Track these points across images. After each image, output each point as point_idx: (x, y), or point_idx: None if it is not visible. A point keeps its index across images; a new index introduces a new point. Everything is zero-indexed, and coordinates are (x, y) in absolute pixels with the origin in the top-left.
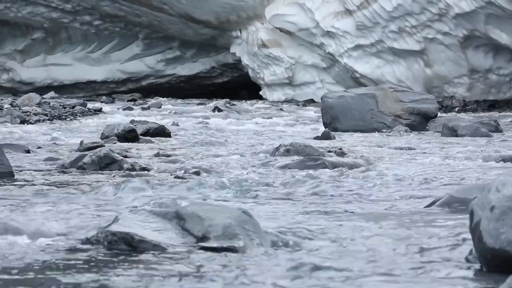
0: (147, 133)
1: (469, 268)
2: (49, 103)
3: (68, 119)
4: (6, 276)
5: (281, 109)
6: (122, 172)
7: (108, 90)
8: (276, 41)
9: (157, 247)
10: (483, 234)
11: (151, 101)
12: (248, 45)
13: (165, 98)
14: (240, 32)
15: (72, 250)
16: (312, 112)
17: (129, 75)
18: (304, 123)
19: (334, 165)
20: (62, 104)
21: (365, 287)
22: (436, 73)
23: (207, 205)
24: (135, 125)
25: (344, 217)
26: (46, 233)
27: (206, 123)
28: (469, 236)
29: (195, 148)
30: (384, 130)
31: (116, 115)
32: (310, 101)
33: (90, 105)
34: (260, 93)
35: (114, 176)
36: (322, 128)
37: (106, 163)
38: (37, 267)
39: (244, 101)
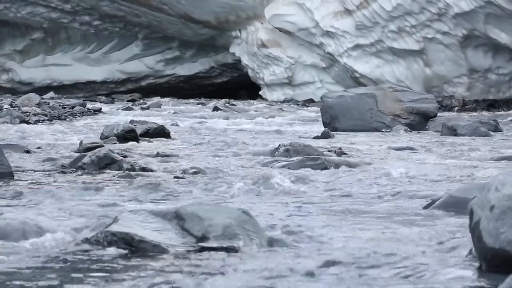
0: (146, 133)
1: (468, 267)
2: (49, 104)
3: (67, 120)
4: (3, 276)
5: (280, 109)
6: (122, 172)
7: (108, 90)
8: (276, 41)
9: (157, 247)
10: (482, 233)
11: (151, 101)
12: (248, 45)
13: (164, 98)
14: (240, 32)
15: (72, 250)
16: (311, 112)
17: (129, 75)
18: (303, 123)
19: (333, 165)
20: (61, 104)
21: (364, 286)
22: (435, 72)
23: (206, 205)
24: (134, 125)
25: (344, 217)
26: (46, 234)
27: (206, 123)
28: (468, 235)
29: (195, 148)
30: (383, 130)
31: (116, 115)
32: (310, 101)
33: (89, 105)
34: (260, 93)
35: (114, 176)
36: (321, 128)
37: (106, 164)
38: (37, 268)
39: (243, 101)
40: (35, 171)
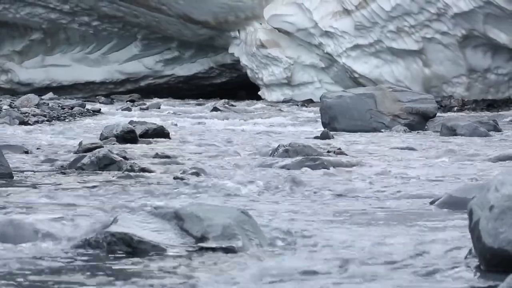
0: (146, 134)
1: (468, 267)
2: (48, 104)
3: (66, 120)
4: (3, 281)
5: (279, 109)
6: (121, 173)
7: (107, 91)
8: (275, 41)
9: (156, 248)
10: (482, 233)
11: (150, 101)
12: (247, 45)
13: (163, 99)
14: (239, 32)
15: (71, 251)
16: (311, 112)
17: (128, 76)
18: (303, 123)
19: (333, 165)
20: (60, 105)
21: (364, 285)
22: (434, 72)
23: (206, 205)
24: (134, 126)
25: (343, 217)
26: (44, 235)
27: (205, 123)
28: (468, 235)
29: (194, 148)
30: (383, 130)
31: (115, 116)
32: (309, 101)
33: (88, 106)
34: (259, 93)
35: (113, 177)
36: (321, 128)
37: (105, 164)
38: (35, 270)
39: (242, 101)
40: (34, 171)
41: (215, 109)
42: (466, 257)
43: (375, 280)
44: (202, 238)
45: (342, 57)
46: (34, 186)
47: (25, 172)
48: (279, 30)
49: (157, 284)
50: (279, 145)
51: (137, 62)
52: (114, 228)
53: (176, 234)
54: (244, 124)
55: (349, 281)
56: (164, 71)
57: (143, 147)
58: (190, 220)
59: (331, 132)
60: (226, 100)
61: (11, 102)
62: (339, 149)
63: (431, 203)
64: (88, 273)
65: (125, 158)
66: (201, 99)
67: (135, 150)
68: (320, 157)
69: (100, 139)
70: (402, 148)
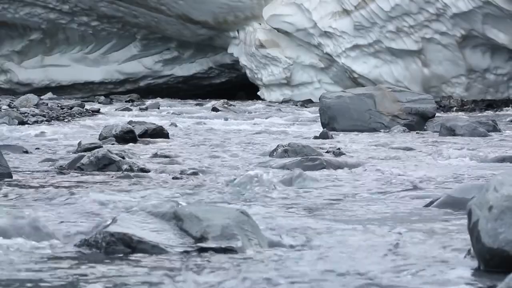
0: (145, 134)
1: (467, 267)
2: (47, 104)
3: (66, 120)
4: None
5: (279, 110)
6: (120, 173)
7: (106, 91)
8: (274, 42)
9: (156, 248)
10: (481, 233)
11: (149, 101)
12: (246, 45)
13: (163, 99)
14: (238, 32)
15: (70, 251)
16: (310, 112)
17: (127, 76)
18: (302, 123)
19: (332, 165)
20: (60, 105)
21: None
22: (433, 73)
23: (205, 205)
24: (133, 126)
25: (342, 218)
26: (43, 235)
27: (204, 123)
28: (467, 236)
29: (193, 148)
30: (382, 130)
31: (114, 116)
32: (308, 102)
33: (88, 106)
34: (258, 93)
35: (112, 177)
36: (320, 128)
37: (104, 164)
38: (35, 270)
39: (242, 101)
40: (33, 171)
41: (214, 109)
42: (465, 257)
43: (371, 282)
44: (202, 239)
45: (342, 57)
46: (33, 186)
47: (24, 172)
48: (278, 30)
49: (157, 285)
50: (278, 145)
51: (136, 62)
52: (113, 228)
53: (175, 235)
54: (243, 124)
55: (349, 282)
56: (163, 71)
57: (142, 147)
58: (190, 220)
59: (330, 132)
60: (225, 100)
61: (10, 102)
62: (338, 149)
63: (430, 203)
64: (87, 273)
65: (124, 158)
66: (200, 99)
67: (134, 150)
68: (319, 157)
69: (99, 139)
70: (401, 148)
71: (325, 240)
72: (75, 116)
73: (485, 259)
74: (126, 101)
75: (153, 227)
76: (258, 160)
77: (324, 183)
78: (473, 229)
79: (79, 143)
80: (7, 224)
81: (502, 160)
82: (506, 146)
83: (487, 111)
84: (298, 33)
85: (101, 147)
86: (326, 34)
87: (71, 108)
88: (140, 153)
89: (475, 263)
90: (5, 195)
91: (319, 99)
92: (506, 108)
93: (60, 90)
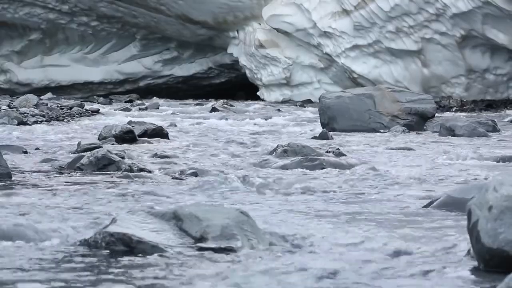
0: (144, 134)
1: (467, 267)
2: (47, 104)
3: (65, 120)
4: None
5: (278, 110)
6: (120, 173)
7: (106, 91)
8: (274, 42)
9: (155, 248)
10: (481, 234)
11: (149, 102)
12: (246, 45)
13: (162, 99)
14: (237, 32)
15: (70, 252)
16: (309, 112)
17: (127, 76)
18: (301, 123)
19: (331, 165)
20: (59, 105)
21: (365, 285)
22: (433, 73)
23: (204, 205)
24: (132, 126)
25: (341, 218)
26: (43, 235)
27: (204, 124)
28: (467, 236)
29: (193, 149)
30: (381, 130)
31: (114, 116)
32: (308, 102)
33: (87, 106)
34: (258, 93)
35: (112, 177)
36: (319, 129)
37: (104, 164)
38: (35, 270)
39: (241, 101)
40: (33, 172)
41: (214, 109)
42: (464, 257)
43: (371, 282)
44: (201, 239)
45: (341, 57)
46: (32, 186)
47: (23, 173)
48: (278, 30)
49: (156, 285)
50: (277, 145)
51: (136, 62)
52: (113, 228)
53: (175, 235)
54: (243, 124)
55: (348, 283)
56: (163, 71)
57: (142, 147)
58: (189, 221)
59: (330, 133)
60: (225, 100)
61: (10, 103)
62: (338, 149)
63: (430, 203)
64: (87, 274)
65: (123, 158)
66: (200, 99)
67: (134, 150)
68: (319, 157)
69: (98, 139)
70: (400, 149)
71: (321, 239)
72: (74, 116)
73: (484, 259)
74: (125, 101)
75: (152, 227)
76: (257, 160)
77: (323, 182)
78: (472, 229)
79: (79, 143)
80: (6, 225)
81: (502, 160)
82: (505, 146)
83: (486, 111)
84: (298, 33)
85: (101, 147)
86: (325, 34)
87: (71, 108)
88: (140, 153)
89: (474, 263)
90: (5, 195)
91: (319, 99)
92: (506, 108)
93: (59, 90)
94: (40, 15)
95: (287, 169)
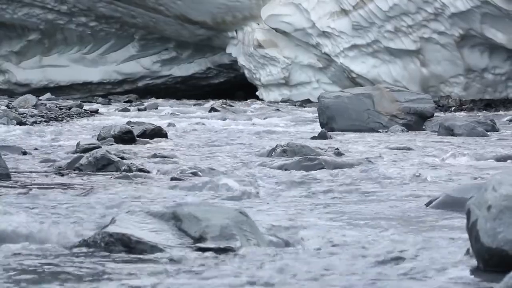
0: (143, 134)
1: (466, 267)
2: (46, 105)
3: (64, 121)
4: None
5: (277, 110)
6: (119, 174)
7: (104, 91)
8: (272, 42)
9: (155, 248)
10: (480, 233)
11: (147, 102)
12: (244, 45)
13: (161, 99)
14: (236, 32)
15: (69, 252)
16: (308, 112)
17: (125, 76)
18: (300, 123)
19: (331, 165)
20: (58, 105)
21: (367, 286)
22: (432, 72)
23: (204, 205)
24: (131, 126)
25: (341, 218)
26: (43, 236)
27: (203, 123)
28: (466, 235)
29: (192, 149)
30: (380, 130)
31: (113, 117)
32: (307, 101)
33: (86, 106)
34: (257, 93)
35: (111, 177)
36: (318, 128)
37: (103, 165)
38: (34, 270)
39: (240, 101)
40: (32, 172)
41: (212, 109)
42: (463, 257)
43: (373, 282)
44: (200, 239)
45: (340, 57)
46: (31, 186)
47: (22, 173)
48: (277, 30)
49: (156, 285)
50: (277, 145)
51: (135, 63)
52: (112, 229)
53: (174, 235)
54: (241, 124)
55: (348, 284)
56: (162, 71)
57: (141, 148)
58: (188, 221)
59: (329, 132)
60: (224, 100)
61: (8, 103)
62: (337, 149)
63: (429, 203)
64: (86, 274)
65: (123, 158)
66: (198, 100)
67: (133, 150)
68: (318, 157)
69: (97, 139)
70: (399, 148)
71: (321, 239)
72: (73, 116)
73: (484, 258)
74: (124, 102)
75: (152, 227)
76: (256, 160)
77: (322, 182)
78: (472, 228)
79: (78, 144)
80: (5, 226)
81: (501, 159)
82: (504, 146)
83: (485, 111)
84: (297, 33)
85: (100, 147)
86: (324, 34)
87: (70, 108)
88: (139, 153)
89: (474, 263)
90: (4, 196)
91: (318, 99)
92: (505, 107)
93: (58, 90)
94: (39, 16)
95: (286, 169)
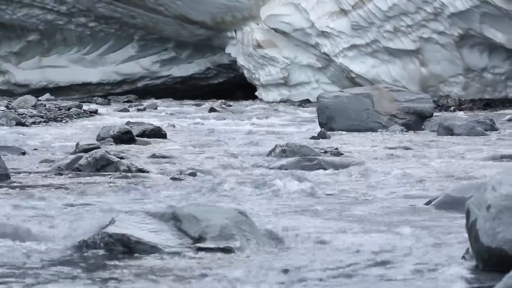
0: (143, 134)
1: (465, 267)
2: (45, 105)
3: (63, 121)
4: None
5: (276, 110)
6: (118, 174)
7: (104, 91)
8: (271, 42)
9: (154, 248)
10: (479, 233)
11: (147, 102)
12: (244, 45)
13: (160, 100)
14: (235, 32)
15: (69, 252)
16: (308, 112)
17: (125, 77)
18: (300, 123)
19: (330, 165)
20: (57, 106)
21: (366, 286)
22: (431, 72)
23: (203, 205)
24: (131, 127)
25: (340, 217)
26: (42, 236)
27: (202, 124)
28: (465, 235)
29: (191, 149)
30: (380, 130)
31: (112, 117)
32: (306, 101)
33: (85, 106)
34: (256, 93)
35: (110, 178)
36: (318, 128)
37: (102, 165)
38: (34, 270)
39: (239, 101)
40: (31, 173)
41: (212, 109)
42: (463, 257)
43: (371, 282)
44: (200, 239)
45: (339, 57)
46: (31, 187)
47: (22, 173)
48: (276, 30)
49: (155, 285)
50: (276, 145)
51: (134, 63)
52: (111, 229)
53: (173, 235)
54: (241, 124)
55: (347, 283)
56: (161, 71)
57: (140, 148)
58: (188, 221)
59: (328, 132)
60: (223, 100)
61: (8, 103)
62: (336, 149)
63: (428, 202)
64: (86, 274)
65: (122, 158)
66: (198, 100)
67: (132, 150)
68: (317, 157)
69: (97, 140)
70: (399, 148)
71: (320, 239)
72: (73, 117)
73: (483, 258)
74: (124, 102)
75: (151, 227)
76: (256, 160)
77: (322, 182)
78: (471, 228)
79: (77, 144)
80: (5, 226)
81: (500, 159)
82: (504, 145)
83: (485, 110)
84: (296, 33)
85: (99, 148)
86: (323, 34)
87: (69, 109)
88: (138, 153)
89: (473, 262)
90: (4, 196)
91: (317, 99)
92: (504, 107)
93: (57, 91)
94: (38, 16)
95: (286, 169)
